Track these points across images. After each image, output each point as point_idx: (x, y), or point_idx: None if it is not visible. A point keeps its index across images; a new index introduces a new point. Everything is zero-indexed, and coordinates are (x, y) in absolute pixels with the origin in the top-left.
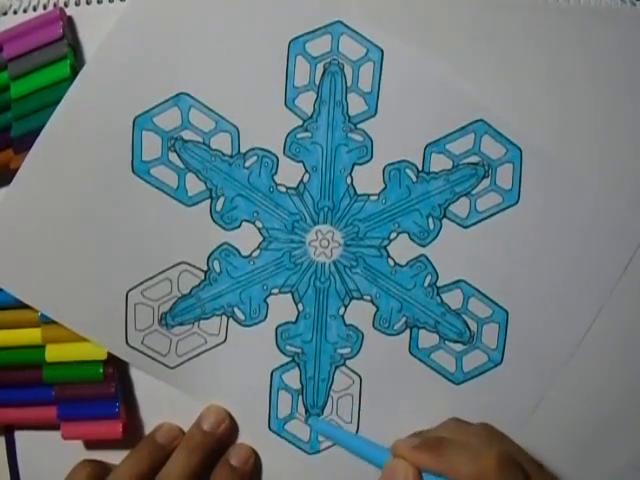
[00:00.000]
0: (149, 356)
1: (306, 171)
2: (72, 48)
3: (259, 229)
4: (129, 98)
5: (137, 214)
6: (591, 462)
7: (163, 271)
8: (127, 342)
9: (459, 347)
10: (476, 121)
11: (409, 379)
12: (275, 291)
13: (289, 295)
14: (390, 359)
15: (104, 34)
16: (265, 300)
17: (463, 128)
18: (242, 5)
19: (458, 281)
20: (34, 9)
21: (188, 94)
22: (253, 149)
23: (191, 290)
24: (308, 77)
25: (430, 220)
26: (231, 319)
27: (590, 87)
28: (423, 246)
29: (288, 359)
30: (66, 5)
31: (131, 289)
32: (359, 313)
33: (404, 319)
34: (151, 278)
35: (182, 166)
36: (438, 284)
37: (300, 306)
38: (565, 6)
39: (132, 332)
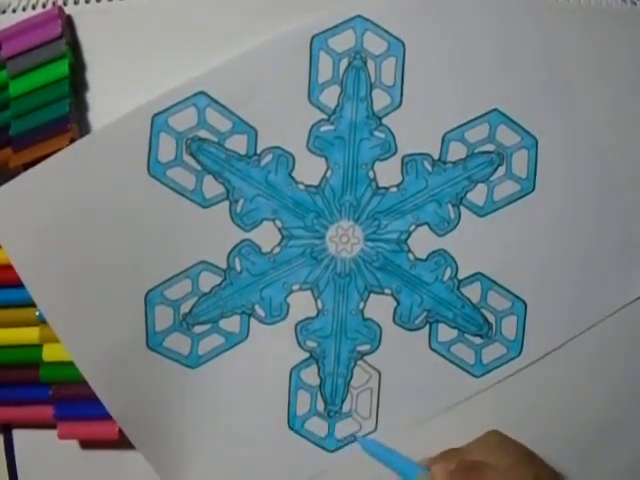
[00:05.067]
0: (170, 358)
1: (328, 167)
2: (71, 47)
3: (279, 228)
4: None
5: (154, 215)
6: (593, 463)
7: (183, 271)
8: (148, 345)
9: (478, 340)
10: (491, 110)
11: (428, 373)
12: (295, 288)
13: (309, 291)
14: (410, 354)
15: (103, 33)
16: (286, 296)
17: (480, 117)
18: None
19: (476, 274)
20: (33, 7)
21: (206, 93)
22: (270, 148)
23: (211, 289)
24: (332, 72)
25: (448, 209)
26: (252, 317)
27: (590, 85)
28: (442, 236)
29: (307, 355)
30: (65, 4)
31: (150, 290)
32: (379, 308)
33: (424, 314)
34: (171, 278)
35: (199, 168)
36: (458, 277)
37: (320, 302)
38: (565, 6)
39: (152, 334)
